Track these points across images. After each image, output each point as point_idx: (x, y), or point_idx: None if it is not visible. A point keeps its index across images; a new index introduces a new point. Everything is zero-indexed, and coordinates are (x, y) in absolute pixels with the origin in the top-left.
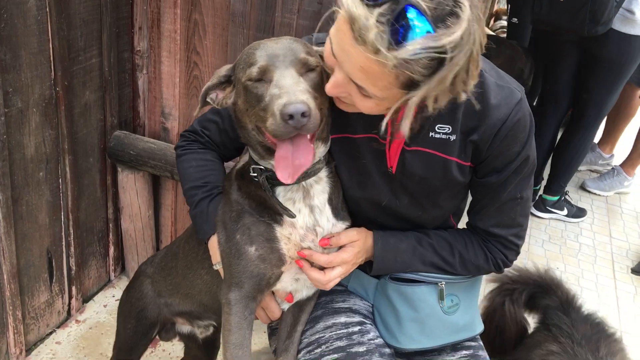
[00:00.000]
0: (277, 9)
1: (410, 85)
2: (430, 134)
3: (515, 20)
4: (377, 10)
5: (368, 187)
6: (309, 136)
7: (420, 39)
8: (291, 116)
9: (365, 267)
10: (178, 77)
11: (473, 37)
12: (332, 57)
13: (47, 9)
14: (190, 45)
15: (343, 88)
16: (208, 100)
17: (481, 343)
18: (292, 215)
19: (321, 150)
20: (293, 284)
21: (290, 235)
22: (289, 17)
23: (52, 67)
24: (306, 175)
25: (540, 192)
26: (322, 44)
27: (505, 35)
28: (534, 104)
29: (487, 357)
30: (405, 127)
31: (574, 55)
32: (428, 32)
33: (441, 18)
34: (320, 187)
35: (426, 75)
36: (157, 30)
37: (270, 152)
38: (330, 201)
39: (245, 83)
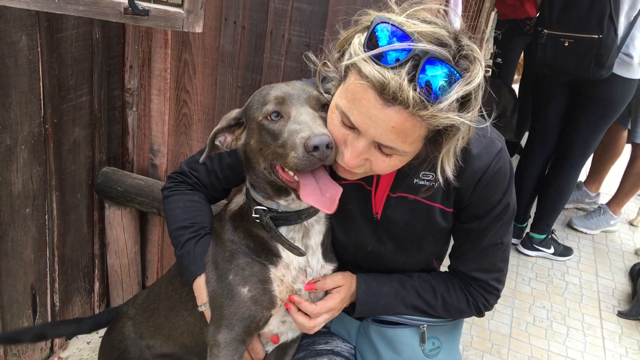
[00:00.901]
0: (266, 50)
1: (436, 132)
2: (415, 180)
3: (499, 60)
4: (404, 70)
5: (353, 232)
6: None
7: (457, 87)
8: (316, 147)
9: (348, 309)
10: (167, 114)
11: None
12: (343, 130)
13: (39, 49)
14: (180, 84)
15: (364, 156)
16: (217, 143)
17: None
18: (303, 253)
19: None
20: (280, 327)
21: (283, 277)
22: (276, 59)
23: (42, 105)
24: (308, 214)
25: (527, 230)
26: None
27: (489, 74)
28: (522, 143)
29: None
30: (448, 172)
31: (564, 95)
32: (453, 75)
33: (457, 62)
34: (319, 228)
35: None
36: (147, 69)
37: (279, 192)
38: (323, 243)
39: (262, 122)
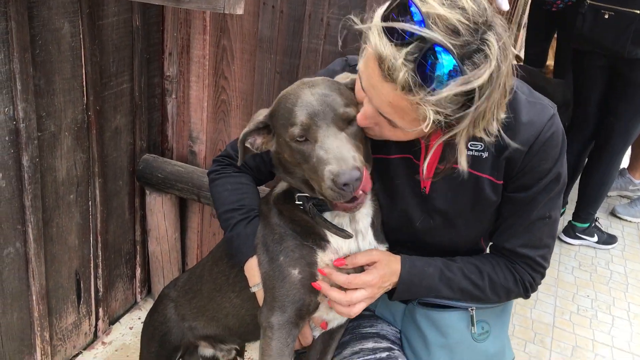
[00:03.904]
0: (304, 35)
1: (441, 123)
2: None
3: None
4: (405, 50)
5: (401, 208)
6: None
7: (453, 85)
8: (346, 184)
9: (388, 293)
10: (206, 101)
11: (503, 72)
12: (362, 91)
13: (81, 36)
14: (218, 71)
15: (372, 119)
16: (247, 145)
17: None
18: (349, 235)
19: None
20: (328, 313)
21: (330, 262)
22: (315, 43)
23: (85, 92)
24: None
25: (569, 217)
26: (355, 66)
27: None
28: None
29: None
30: (463, 162)
31: (604, 79)
32: (456, 70)
33: (468, 55)
34: (365, 211)
35: (455, 113)
36: (186, 56)
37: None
38: (373, 224)
39: (289, 143)
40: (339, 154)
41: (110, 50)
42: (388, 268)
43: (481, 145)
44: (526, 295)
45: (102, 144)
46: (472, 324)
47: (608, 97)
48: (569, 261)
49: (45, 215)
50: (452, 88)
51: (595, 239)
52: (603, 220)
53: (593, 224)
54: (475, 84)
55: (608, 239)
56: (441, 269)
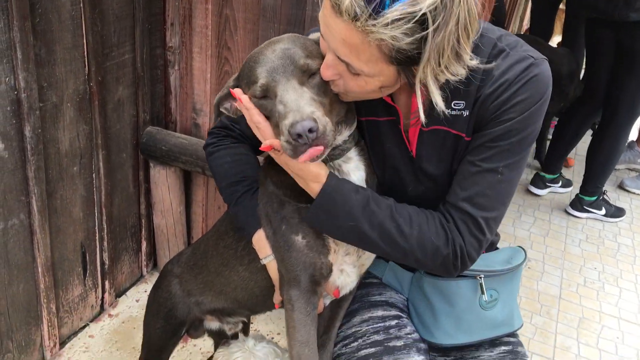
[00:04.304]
0: (308, 3)
1: (399, 59)
2: (447, 111)
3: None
4: None
5: (394, 173)
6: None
7: (399, 6)
8: (299, 135)
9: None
10: (209, 72)
11: (457, 1)
12: (323, 42)
13: (81, 4)
14: (221, 41)
15: (334, 69)
16: (222, 110)
17: (520, 339)
18: None
19: (345, 133)
20: (340, 277)
21: None
22: (319, 11)
23: (86, 63)
24: (333, 156)
25: (576, 190)
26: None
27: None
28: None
29: (526, 353)
30: (438, 101)
31: (612, 51)
32: None
33: None
34: (353, 165)
35: (410, 43)
36: (188, 26)
37: None
38: (367, 182)
39: (255, 102)
40: (295, 107)
41: (111, 19)
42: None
43: (463, 103)
44: (454, 267)
45: (105, 115)
46: (482, 292)
47: (615, 69)
48: (576, 234)
49: (49, 187)
50: (398, 9)
51: (603, 211)
52: (611, 194)
53: (601, 197)
54: (424, 5)
55: (616, 212)
56: (369, 200)
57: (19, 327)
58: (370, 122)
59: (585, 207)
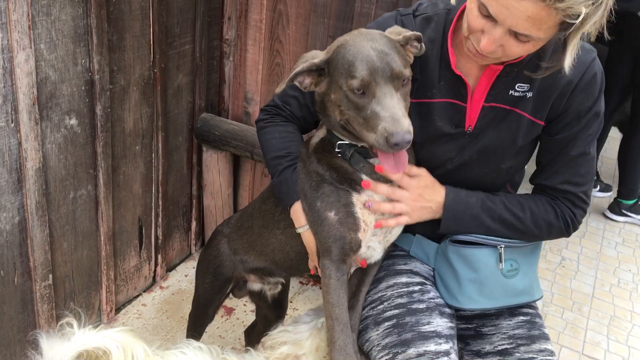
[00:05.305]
0: (357, 0)
1: (569, 23)
2: (510, 92)
3: None
4: None
5: (437, 147)
6: None
7: None
8: (397, 144)
9: (434, 226)
10: (261, 64)
11: None
12: (480, 20)
13: None
14: (274, 35)
15: (499, 42)
16: (295, 83)
17: (539, 311)
18: (389, 180)
19: None
20: (366, 252)
21: (365, 202)
22: (367, 7)
23: (152, 50)
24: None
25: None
26: (408, 15)
27: None
28: None
29: (544, 324)
30: (569, 60)
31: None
32: None
33: None
34: None
35: (587, 6)
36: (244, 20)
37: (352, 135)
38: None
39: (346, 92)
40: (395, 114)
41: (175, 12)
42: (431, 188)
43: (527, 86)
44: (567, 232)
45: (166, 100)
46: (501, 261)
47: (634, 69)
48: (613, 237)
49: (114, 163)
50: None
51: None
52: None
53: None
54: None
55: None
56: (483, 199)
57: (81, 291)
58: (422, 104)
59: (623, 210)
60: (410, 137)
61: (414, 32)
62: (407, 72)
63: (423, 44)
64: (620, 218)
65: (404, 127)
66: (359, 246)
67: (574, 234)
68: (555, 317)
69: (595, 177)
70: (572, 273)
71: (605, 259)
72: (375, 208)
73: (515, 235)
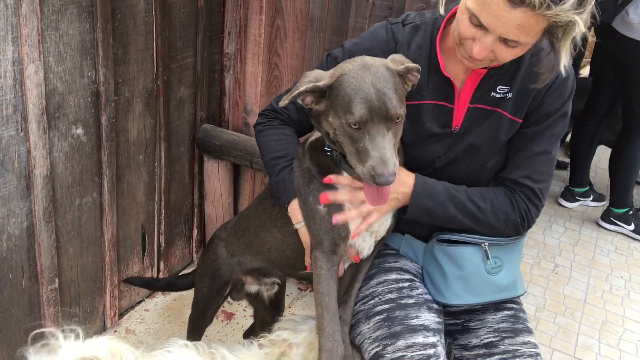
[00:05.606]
0: (351, 14)
1: (555, 27)
2: (492, 93)
3: None
4: None
5: (425, 146)
6: None
7: None
8: (380, 183)
9: (424, 227)
10: (260, 77)
11: None
12: (471, 29)
13: (153, 12)
14: (272, 48)
15: (490, 48)
16: (298, 100)
17: (522, 306)
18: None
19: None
20: (357, 241)
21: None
22: (361, 22)
23: (155, 64)
24: None
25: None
26: (397, 24)
27: None
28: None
29: (527, 319)
30: (565, 61)
31: (611, 69)
32: None
33: None
34: None
35: (574, 13)
36: (244, 34)
37: (340, 147)
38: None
39: (343, 123)
40: (383, 156)
41: (177, 27)
42: (397, 182)
43: (507, 88)
44: (522, 227)
45: (168, 111)
46: (487, 257)
47: (621, 79)
48: (606, 245)
49: (118, 171)
50: None
51: (632, 227)
52: None
53: (631, 211)
54: None
55: None
56: (448, 188)
57: (86, 295)
58: (410, 106)
59: (612, 219)
60: (393, 178)
61: (416, 65)
62: (402, 112)
63: (418, 76)
64: (611, 227)
65: (390, 169)
66: (348, 233)
67: (567, 242)
68: (548, 322)
69: (589, 187)
70: (565, 279)
71: (598, 266)
72: (343, 219)
73: (475, 225)
